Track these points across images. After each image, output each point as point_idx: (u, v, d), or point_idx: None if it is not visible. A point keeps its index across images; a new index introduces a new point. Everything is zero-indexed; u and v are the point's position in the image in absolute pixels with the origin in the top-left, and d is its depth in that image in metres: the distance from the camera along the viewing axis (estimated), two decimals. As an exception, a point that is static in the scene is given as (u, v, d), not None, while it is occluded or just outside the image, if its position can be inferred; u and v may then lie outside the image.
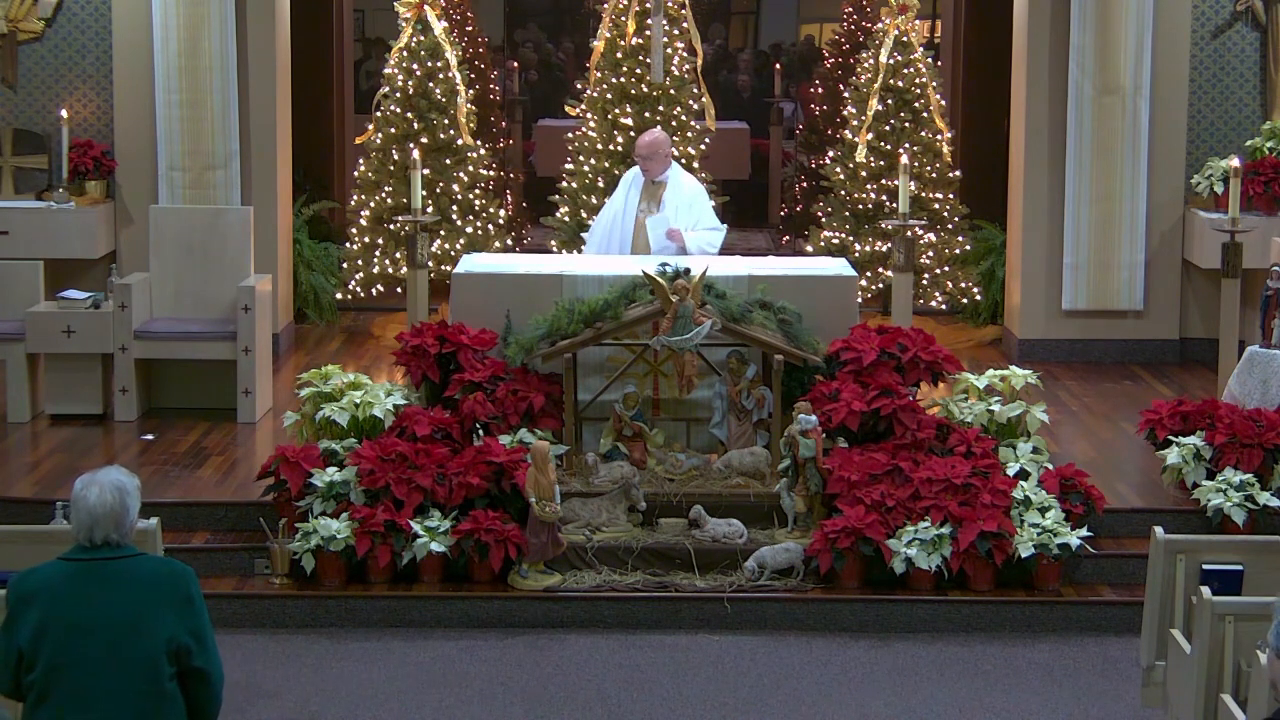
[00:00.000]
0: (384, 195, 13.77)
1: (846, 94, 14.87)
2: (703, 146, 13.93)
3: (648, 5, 13.32)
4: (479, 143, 14.26)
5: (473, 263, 10.65)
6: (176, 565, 5.29)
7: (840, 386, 9.54)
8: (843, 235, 13.98)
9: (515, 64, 20.09)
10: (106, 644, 5.09)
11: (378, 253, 13.76)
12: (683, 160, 13.56)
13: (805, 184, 17.49)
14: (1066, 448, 10.59)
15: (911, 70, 13.92)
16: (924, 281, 13.70)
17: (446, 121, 13.76)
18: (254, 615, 8.84)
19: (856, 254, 13.69)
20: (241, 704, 7.83)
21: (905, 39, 13.96)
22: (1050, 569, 8.95)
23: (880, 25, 14.20)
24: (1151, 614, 7.29)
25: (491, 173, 14.55)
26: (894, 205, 12.34)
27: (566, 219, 13.74)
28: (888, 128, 13.92)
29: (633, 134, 13.51)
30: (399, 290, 13.30)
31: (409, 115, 13.72)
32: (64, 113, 12.51)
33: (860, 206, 14.03)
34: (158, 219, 11.58)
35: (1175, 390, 11.96)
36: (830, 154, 14.71)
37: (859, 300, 11.34)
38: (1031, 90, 12.91)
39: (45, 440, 10.66)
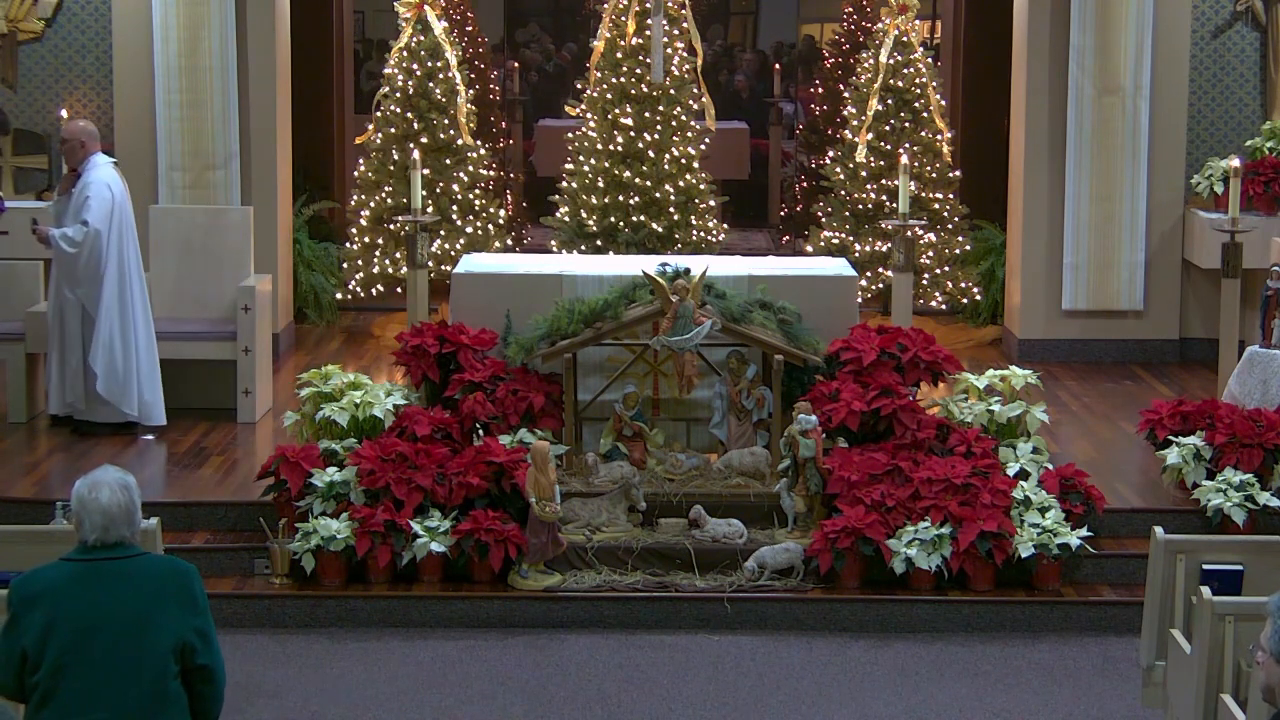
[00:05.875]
0: (384, 195, 13.76)
1: (846, 94, 14.86)
2: (703, 146, 13.92)
3: (648, 5, 13.31)
4: (479, 143, 14.25)
5: (473, 263, 10.65)
6: (180, 564, 5.29)
7: (840, 386, 9.54)
8: (843, 235, 13.98)
9: (516, 64, 20.07)
10: (113, 644, 5.08)
11: (378, 253, 13.75)
12: (683, 160, 13.57)
13: (805, 184, 17.48)
14: (1066, 448, 10.59)
15: (911, 70, 13.92)
16: (924, 281, 13.69)
17: (446, 121, 13.76)
18: (254, 615, 8.84)
19: (856, 254, 13.68)
20: (241, 704, 7.82)
21: (905, 39, 13.95)
22: (1050, 569, 8.95)
23: (880, 25, 14.19)
24: (1151, 614, 7.28)
25: (491, 173, 14.54)
26: (894, 205, 12.33)
27: (566, 219, 13.73)
28: (888, 128, 13.91)
29: (633, 134, 13.52)
30: (399, 290, 13.29)
31: (409, 115, 13.71)
32: (64, 113, 12.49)
33: (860, 206, 14.02)
34: (158, 219, 11.58)
35: (1175, 390, 11.96)
36: (830, 154, 14.71)
37: (859, 300, 11.34)
38: (1031, 90, 12.90)
39: (45, 440, 10.66)
